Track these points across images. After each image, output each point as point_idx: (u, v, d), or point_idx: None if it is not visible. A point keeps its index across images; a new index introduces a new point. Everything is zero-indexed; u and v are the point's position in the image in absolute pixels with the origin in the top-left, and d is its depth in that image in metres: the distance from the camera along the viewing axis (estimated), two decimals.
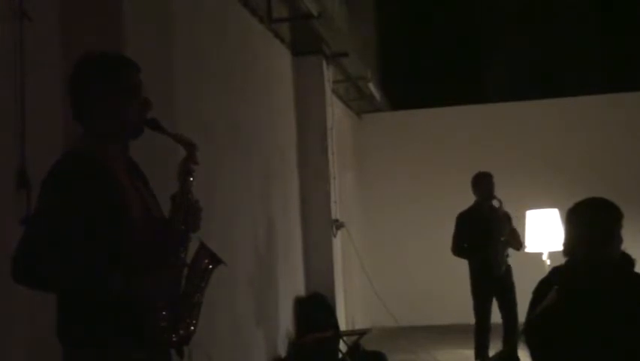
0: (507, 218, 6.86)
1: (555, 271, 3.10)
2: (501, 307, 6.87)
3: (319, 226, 7.81)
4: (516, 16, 13.92)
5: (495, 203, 6.78)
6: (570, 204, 3.09)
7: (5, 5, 3.12)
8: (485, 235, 6.71)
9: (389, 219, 10.91)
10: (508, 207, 6.85)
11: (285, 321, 6.85)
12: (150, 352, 2.29)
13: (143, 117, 2.40)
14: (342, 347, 7.07)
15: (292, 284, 7.23)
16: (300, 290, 7.49)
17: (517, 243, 6.88)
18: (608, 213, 2.97)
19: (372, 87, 10.14)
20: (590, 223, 2.95)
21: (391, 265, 10.60)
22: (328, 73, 8.26)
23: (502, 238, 6.71)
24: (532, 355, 3.05)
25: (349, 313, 8.75)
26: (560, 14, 13.78)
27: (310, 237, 7.78)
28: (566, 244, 3.04)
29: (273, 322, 6.50)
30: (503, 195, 6.84)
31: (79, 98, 2.36)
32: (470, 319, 6.92)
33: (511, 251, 6.88)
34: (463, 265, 6.95)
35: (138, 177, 2.48)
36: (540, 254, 6.95)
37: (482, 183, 6.87)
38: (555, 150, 10.66)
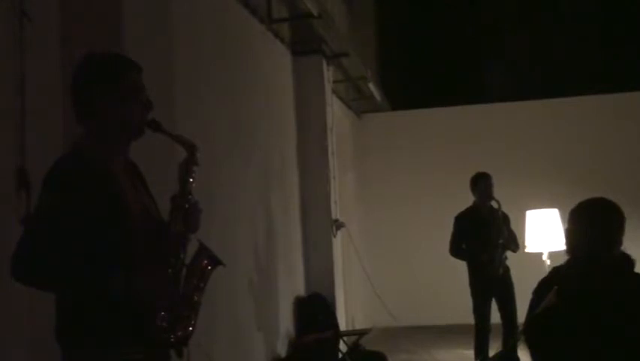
0: (505, 219, 6.84)
1: (555, 271, 3.11)
2: (500, 308, 6.86)
3: (319, 226, 7.81)
4: (516, 16, 13.92)
5: (494, 204, 6.77)
6: (570, 204, 3.09)
7: (5, 5, 3.12)
8: (484, 237, 6.70)
9: (389, 219, 10.90)
10: (508, 208, 6.84)
11: (285, 321, 6.85)
12: (149, 352, 2.29)
13: (144, 118, 2.40)
14: (342, 347, 7.07)
15: (292, 284, 7.23)
16: (300, 290, 7.48)
17: (515, 245, 6.87)
18: (609, 214, 2.97)
19: (372, 87, 10.14)
20: (590, 223, 2.95)
21: (391, 265, 10.60)
22: (328, 73, 8.26)
23: (500, 241, 6.69)
24: (532, 355, 3.05)
25: (349, 313, 8.76)
26: (560, 14, 13.78)
27: (310, 237, 7.78)
28: (567, 244, 3.04)
29: (273, 322, 6.50)
30: (503, 195, 6.83)
31: (80, 99, 2.36)
32: (470, 319, 6.92)
33: (510, 252, 6.86)
34: (463, 265, 6.94)
35: (137, 178, 2.48)
36: (540, 254, 6.94)
37: (481, 184, 6.86)
38: (555, 150, 10.66)
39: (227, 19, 5.78)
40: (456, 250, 6.91)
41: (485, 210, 6.84)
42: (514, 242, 6.86)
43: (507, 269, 6.81)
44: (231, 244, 5.39)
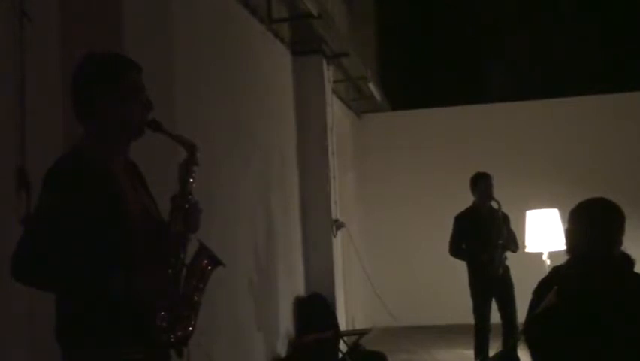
0: (505, 220, 6.84)
1: (555, 271, 3.11)
2: (500, 308, 6.86)
3: (319, 226, 7.81)
4: (516, 16, 13.92)
5: (494, 204, 6.77)
6: (570, 204, 3.09)
7: (5, 5, 3.12)
8: (484, 237, 6.69)
9: (389, 219, 10.91)
10: (508, 208, 6.83)
11: (285, 321, 6.85)
12: (149, 352, 2.29)
13: (144, 118, 2.40)
14: (342, 347, 7.07)
15: (292, 284, 7.23)
16: (300, 290, 7.48)
17: (515, 245, 6.86)
18: (609, 214, 2.97)
19: (372, 87, 10.15)
20: (590, 223, 2.95)
21: (391, 265, 10.60)
22: (328, 73, 8.26)
23: (500, 241, 6.69)
24: (532, 355, 3.05)
25: (349, 313, 8.76)
26: (560, 14, 13.78)
27: (310, 237, 7.78)
28: (567, 244, 3.04)
29: (273, 322, 6.50)
30: (503, 195, 6.83)
31: (80, 99, 2.36)
32: (470, 319, 6.92)
33: (510, 252, 6.86)
34: (463, 265, 6.94)
35: (137, 178, 2.48)
36: (540, 254, 6.94)
37: (481, 184, 6.85)
38: (555, 150, 10.67)
39: (227, 19, 5.78)
40: (456, 250, 6.90)
41: (485, 210, 6.83)
42: (514, 242, 6.85)
43: (507, 269, 6.81)
44: (231, 244, 5.39)
